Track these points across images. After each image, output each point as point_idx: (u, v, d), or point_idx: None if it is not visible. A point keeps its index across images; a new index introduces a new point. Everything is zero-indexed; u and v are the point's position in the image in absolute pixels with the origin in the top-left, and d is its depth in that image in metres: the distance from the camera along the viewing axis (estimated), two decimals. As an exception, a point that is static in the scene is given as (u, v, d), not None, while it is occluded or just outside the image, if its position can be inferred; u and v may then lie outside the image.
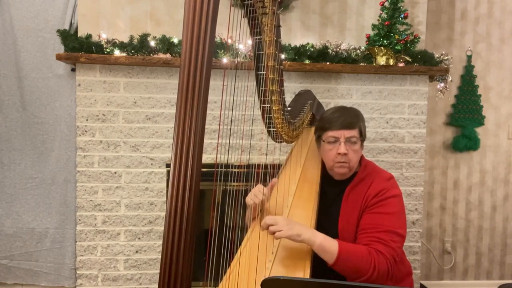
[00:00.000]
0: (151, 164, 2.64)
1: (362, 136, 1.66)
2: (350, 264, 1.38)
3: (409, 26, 2.62)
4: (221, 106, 1.37)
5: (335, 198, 1.68)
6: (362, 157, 1.72)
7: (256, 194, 1.58)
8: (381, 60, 2.57)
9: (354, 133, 1.62)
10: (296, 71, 2.62)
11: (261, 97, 1.48)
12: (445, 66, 2.66)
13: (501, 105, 3.19)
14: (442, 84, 2.73)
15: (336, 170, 1.65)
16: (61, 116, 2.77)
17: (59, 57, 2.46)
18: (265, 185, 1.61)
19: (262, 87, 1.46)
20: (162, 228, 2.66)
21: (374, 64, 2.60)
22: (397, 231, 1.50)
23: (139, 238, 2.67)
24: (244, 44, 2.34)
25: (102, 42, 2.49)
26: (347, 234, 1.58)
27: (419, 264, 2.85)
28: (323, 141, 1.66)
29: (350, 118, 1.63)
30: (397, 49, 2.58)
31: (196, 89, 0.92)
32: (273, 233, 1.36)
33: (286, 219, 1.40)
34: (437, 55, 2.66)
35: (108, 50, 2.48)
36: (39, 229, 2.80)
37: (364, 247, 1.45)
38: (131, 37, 2.51)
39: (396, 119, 2.76)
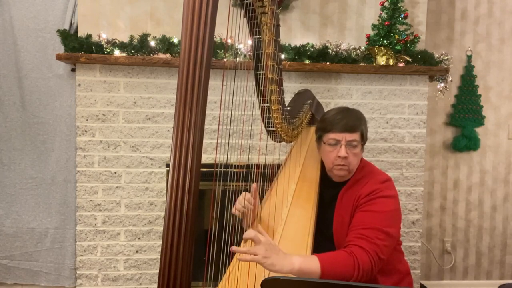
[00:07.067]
0: (151, 164, 2.64)
1: (364, 139, 1.64)
2: (335, 275, 1.33)
3: (409, 26, 2.61)
4: (220, 106, 1.36)
5: (331, 199, 1.67)
6: (361, 159, 1.71)
7: (239, 201, 1.56)
8: (381, 60, 2.57)
9: (355, 136, 1.59)
10: (296, 71, 2.61)
11: (260, 96, 1.48)
12: (445, 66, 2.65)
13: (501, 105, 3.19)
14: (442, 84, 2.73)
15: (335, 172, 1.64)
16: (61, 116, 2.77)
17: (59, 57, 2.46)
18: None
19: (261, 86, 1.46)
20: (162, 228, 2.65)
21: (374, 64, 2.60)
22: (384, 230, 1.45)
23: (139, 238, 2.67)
24: (244, 44, 2.34)
25: (102, 42, 2.49)
26: (341, 236, 1.57)
27: (419, 264, 2.85)
28: (324, 142, 1.63)
29: (352, 121, 1.60)
30: (397, 49, 2.58)
31: (195, 89, 0.92)
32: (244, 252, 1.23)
33: (270, 245, 1.25)
34: (437, 55, 2.65)
35: (108, 50, 2.48)
36: (39, 229, 2.80)
37: (343, 251, 1.40)
38: (131, 37, 2.51)
39: (396, 119, 2.76)
